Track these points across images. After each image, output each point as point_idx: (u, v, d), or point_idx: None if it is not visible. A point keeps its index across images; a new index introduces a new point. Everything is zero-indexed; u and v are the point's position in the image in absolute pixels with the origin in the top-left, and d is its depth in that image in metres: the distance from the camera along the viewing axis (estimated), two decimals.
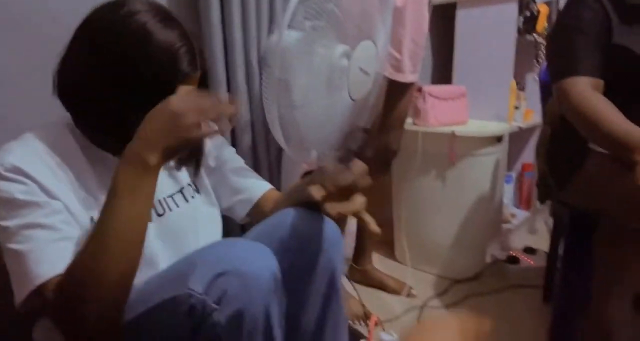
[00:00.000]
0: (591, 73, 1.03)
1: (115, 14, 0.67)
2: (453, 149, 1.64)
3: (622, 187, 0.91)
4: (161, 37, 0.66)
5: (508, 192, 2.19)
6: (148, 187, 0.62)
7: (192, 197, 0.85)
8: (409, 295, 1.56)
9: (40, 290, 0.61)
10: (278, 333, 0.65)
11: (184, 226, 0.81)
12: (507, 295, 1.60)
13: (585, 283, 1.07)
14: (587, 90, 1.01)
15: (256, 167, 1.31)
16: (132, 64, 0.66)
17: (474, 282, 1.69)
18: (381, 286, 1.61)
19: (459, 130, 1.64)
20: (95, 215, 0.65)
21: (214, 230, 0.88)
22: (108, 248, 0.59)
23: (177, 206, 0.81)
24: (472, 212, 1.70)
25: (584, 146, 1.09)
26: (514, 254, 1.83)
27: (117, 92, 0.66)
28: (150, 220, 0.64)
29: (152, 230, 0.75)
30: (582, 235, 1.21)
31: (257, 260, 0.64)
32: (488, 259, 1.82)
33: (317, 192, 0.72)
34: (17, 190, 0.63)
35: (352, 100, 1.09)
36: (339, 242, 0.77)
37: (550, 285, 1.52)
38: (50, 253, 0.62)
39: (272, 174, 1.34)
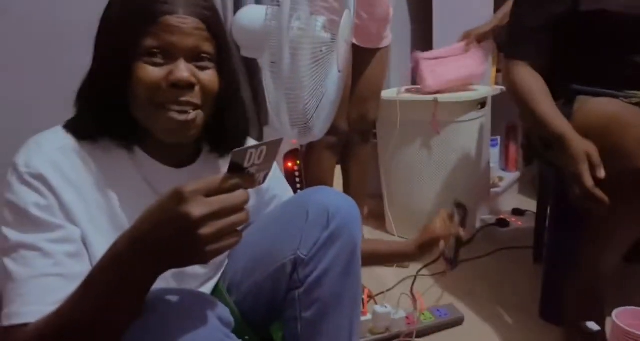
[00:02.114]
0: (531, 58, 1.14)
1: None
2: (436, 117, 1.62)
3: (606, 143, 0.91)
4: None
5: (494, 155, 2.20)
6: (126, 299, 0.52)
7: None
8: (401, 265, 1.58)
9: (8, 330, 0.55)
10: None
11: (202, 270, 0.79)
12: (498, 257, 1.62)
13: (574, 241, 1.08)
14: (525, 73, 1.13)
15: None
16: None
17: (465, 248, 1.70)
18: None
19: (442, 97, 1.62)
20: None
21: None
22: (78, 328, 0.52)
23: None
24: (459, 178, 1.70)
25: (567, 107, 1.09)
26: (503, 217, 1.85)
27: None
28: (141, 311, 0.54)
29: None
30: (566, 193, 1.22)
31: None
32: (478, 224, 1.84)
33: None
34: (32, 202, 0.58)
35: (339, 72, 1.06)
36: (358, 218, 0.78)
37: (540, 245, 1.54)
38: (34, 293, 0.56)
39: None
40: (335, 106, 1.02)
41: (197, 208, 0.44)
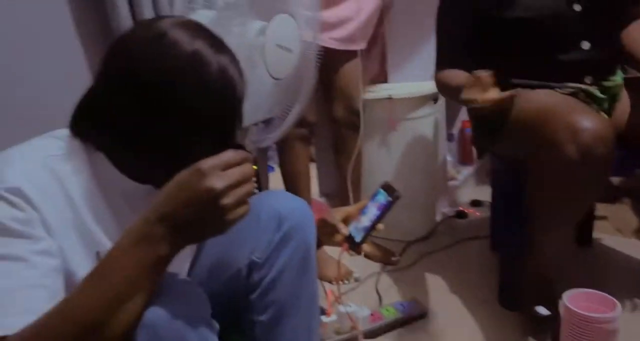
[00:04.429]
0: (449, 66, 1.27)
1: (158, 45, 0.59)
2: (392, 114, 1.65)
3: (541, 133, 0.95)
4: (215, 64, 0.60)
5: (451, 149, 2.25)
6: (150, 277, 0.52)
7: None
8: (389, 262, 1.59)
9: None
10: None
11: None
12: (458, 249, 1.66)
13: (523, 228, 1.12)
14: (449, 71, 1.26)
15: None
16: (186, 100, 0.59)
17: (427, 241, 1.74)
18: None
19: (395, 94, 1.65)
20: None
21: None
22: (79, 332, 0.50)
23: None
24: (418, 173, 1.73)
25: None
26: (462, 209, 1.90)
27: (168, 131, 0.60)
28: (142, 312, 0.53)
29: None
30: (516, 182, 1.26)
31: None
32: (438, 217, 1.88)
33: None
34: (11, 217, 0.54)
35: (275, 79, 1.04)
36: (311, 219, 0.80)
37: (496, 234, 1.59)
38: (19, 304, 0.52)
39: None
40: (272, 113, 1.00)
41: (219, 181, 0.50)
